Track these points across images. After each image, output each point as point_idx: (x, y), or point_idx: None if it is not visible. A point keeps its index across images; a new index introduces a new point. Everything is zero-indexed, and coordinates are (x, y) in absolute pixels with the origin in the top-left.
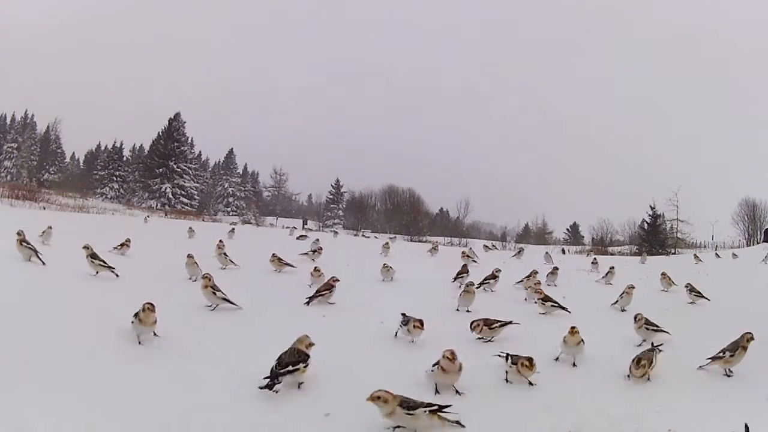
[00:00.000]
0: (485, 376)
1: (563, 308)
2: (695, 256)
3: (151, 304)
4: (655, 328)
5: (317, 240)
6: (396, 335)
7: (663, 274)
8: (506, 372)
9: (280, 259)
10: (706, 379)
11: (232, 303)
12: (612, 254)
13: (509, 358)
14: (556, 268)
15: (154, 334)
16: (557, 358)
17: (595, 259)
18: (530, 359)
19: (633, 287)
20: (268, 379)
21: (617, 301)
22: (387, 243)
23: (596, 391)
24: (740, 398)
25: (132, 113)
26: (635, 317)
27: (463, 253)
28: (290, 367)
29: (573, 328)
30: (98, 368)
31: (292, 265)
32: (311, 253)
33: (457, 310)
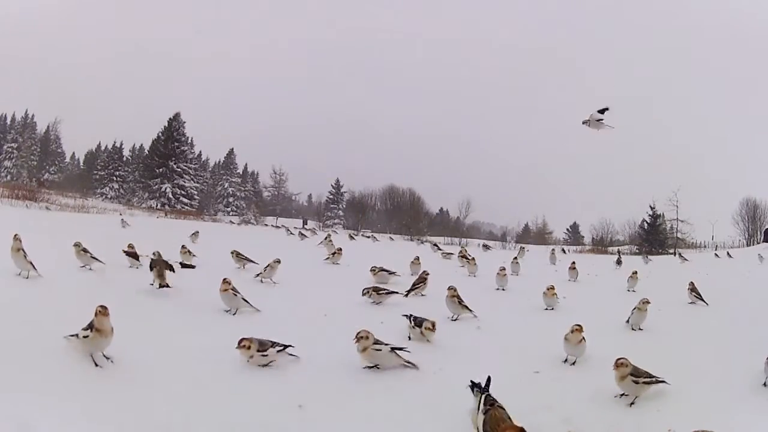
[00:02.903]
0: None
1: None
2: (680, 255)
3: (104, 307)
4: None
5: (328, 236)
6: (409, 338)
7: (634, 273)
8: (409, 334)
9: (239, 254)
10: (705, 378)
11: (252, 306)
12: (612, 254)
13: (413, 320)
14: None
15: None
16: (565, 360)
17: (522, 249)
18: (433, 323)
19: (647, 301)
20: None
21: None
22: (417, 258)
23: (596, 390)
24: (740, 398)
25: (132, 113)
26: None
27: (460, 253)
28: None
29: (577, 326)
30: (100, 367)
31: (254, 261)
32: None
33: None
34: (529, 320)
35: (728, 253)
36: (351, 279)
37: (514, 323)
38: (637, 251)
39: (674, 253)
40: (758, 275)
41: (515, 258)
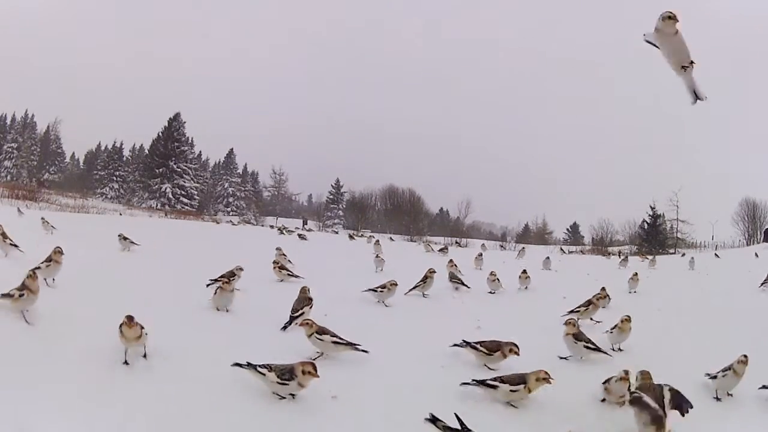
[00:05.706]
0: (484, 373)
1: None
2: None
3: (130, 317)
4: None
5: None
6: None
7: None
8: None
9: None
10: (705, 379)
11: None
12: (612, 254)
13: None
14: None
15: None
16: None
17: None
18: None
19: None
20: (287, 323)
21: None
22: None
23: (596, 390)
24: (739, 399)
25: (132, 113)
26: None
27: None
28: (299, 311)
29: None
30: (98, 368)
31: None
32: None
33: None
34: (528, 320)
35: (716, 254)
36: (351, 279)
37: (514, 323)
38: (637, 251)
39: (674, 253)
40: (757, 276)
41: (524, 273)
